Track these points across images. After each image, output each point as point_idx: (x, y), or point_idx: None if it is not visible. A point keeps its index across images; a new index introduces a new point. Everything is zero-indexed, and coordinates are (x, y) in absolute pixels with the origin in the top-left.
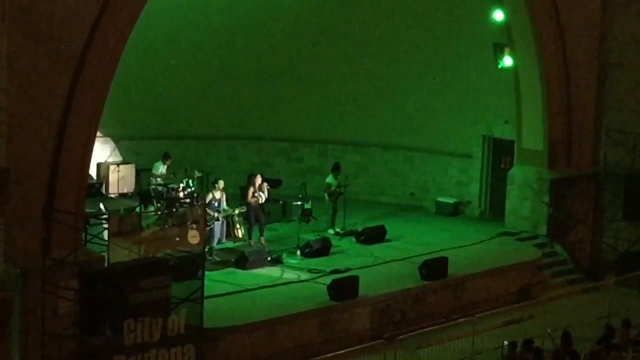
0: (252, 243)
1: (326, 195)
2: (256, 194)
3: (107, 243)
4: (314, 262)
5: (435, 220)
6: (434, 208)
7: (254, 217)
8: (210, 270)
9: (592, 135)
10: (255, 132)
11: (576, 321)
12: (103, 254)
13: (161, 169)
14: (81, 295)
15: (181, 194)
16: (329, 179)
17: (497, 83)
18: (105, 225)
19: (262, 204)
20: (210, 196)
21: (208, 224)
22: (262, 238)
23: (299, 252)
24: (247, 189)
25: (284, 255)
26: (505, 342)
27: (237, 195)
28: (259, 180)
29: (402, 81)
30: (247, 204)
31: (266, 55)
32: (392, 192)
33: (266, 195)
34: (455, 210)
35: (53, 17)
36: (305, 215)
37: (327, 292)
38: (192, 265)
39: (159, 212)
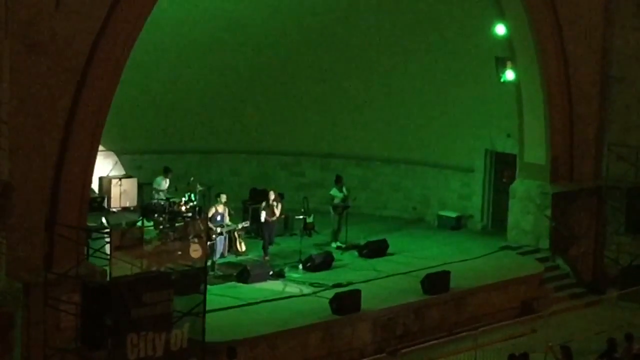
0: (267, 259)
1: (331, 208)
2: (263, 211)
3: (109, 257)
4: (316, 276)
5: (437, 234)
6: (436, 222)
7: (268, 233)
8: (212, 285)
9: (594, 149)
10: (258, 146)
11: (578, 335)
12: (105, 268)
13: (163, 183)
14: (83, 309)
15: (183, 208)
16: (333, 191)
17: (500, 97)
18: (107, 239)
19: (271, 221)
20: (213, 210)
21: (212, 238)
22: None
23: (301, 266)
24: (260, 205)
25: (286, 269)
26: None
27: (239, 210)
28: (271, 196)
29: (405, 95)
30: (264, 220)
31: (268, 69)
32: (394, 206)
33: (278, 213)
34: (457, 224)
35: (55, 31)
36: (308, 229)
37: (330, 306)
38: (194, 280)
39: (161, 226)
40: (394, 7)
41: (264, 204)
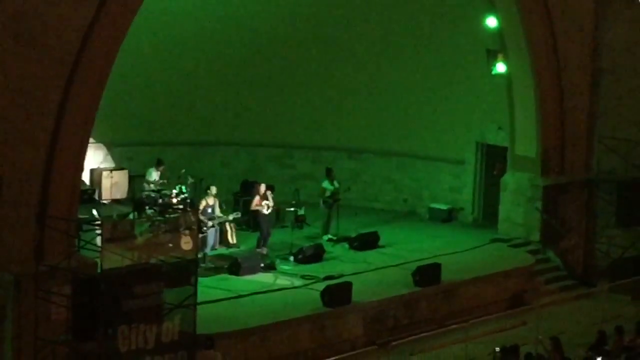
0: (265, 251)
1: (321, 201)
2: (263, 203)
3: (100, 249)
4: (307, 269)
5: (428, 226)
6: (428, 214)
7: (266, 226)
8: (203, 277)
9: (585, 142)
10: (249, 138)
11: (569, 327)
12: (96, 260)
13: (154, 175)
14: (74, 301)
15: (174, 200)
16: (325, 184)
17: (491, 89)
18: (98, 232)
19: (269, 214)
20: (204, 203)
21: (203, 230)
22: (264, 248)
23: (292, 258)
24: (252, 198)
25: (277, 262)
26: (497, 349)
27: (229, 201)
28: (262, 188)
29: (396, 87)
30: (255, 213)
31: (259, 61)
32: (386, 198)
33: (272, 204)
34: (448, 217)
35: (46, 23)
36: (299, 221)
37: (321, 298)
38: (185, 272)
39: (152, 218)
40: (386, 1)
41: (257, 197)
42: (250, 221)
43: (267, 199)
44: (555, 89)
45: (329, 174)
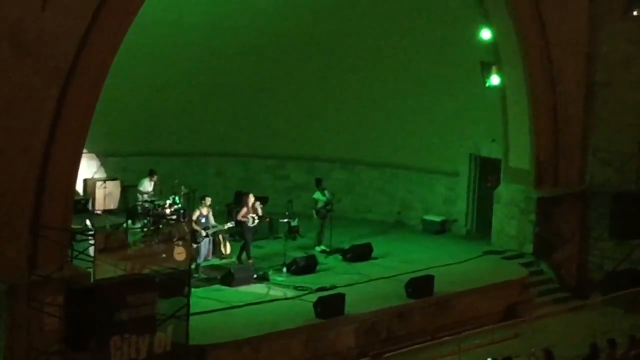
0: (252, 262)
1: (314, 212)
2: (250, 215)
3: (93, 259)
4: (300, 280)
5: (421, 238)
6: (421, 226)
7: (250, 236)
8: (196, 287)
9: (579, 154)
10: (242, 149)
11: (562, 340)
12: (89, 270)
13: (147, 185)
14: (67, 312)
15: (168, 211)
16: (317, 195)
17: (485, 101)
18: (92, 242)
19: (254, 225)
20: (197, 213)
21: (197, 240)
22: (250, 260)
23: (285, 270)
24: (240, 208)
25: (270, 273)
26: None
27: (223, 212)
28: (252, 199)
29: (389, 99)
30: (241, 223)
31: (253, 72)
32: (379, 210)
33: (260, 214)
34: (441, 229)
35: (41, 32)
36: (292, 232)
37: (313, 310)
38: (178, 282)
39: (145, 229)
40: (379, 12)
41: (244, 209)
42: (239, 232)
43: (255, 211)
44: (549, 101)
45: (319, 184)
